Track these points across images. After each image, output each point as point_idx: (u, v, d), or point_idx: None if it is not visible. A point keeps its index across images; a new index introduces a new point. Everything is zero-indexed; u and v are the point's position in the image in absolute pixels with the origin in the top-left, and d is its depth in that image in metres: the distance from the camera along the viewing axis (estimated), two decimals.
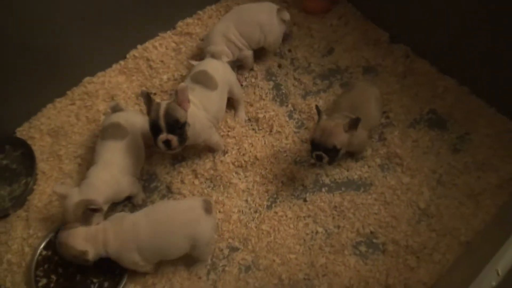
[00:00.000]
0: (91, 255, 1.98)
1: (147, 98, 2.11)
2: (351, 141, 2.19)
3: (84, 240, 1.98)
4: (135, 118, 2.37)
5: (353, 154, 2.46)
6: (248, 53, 2.72)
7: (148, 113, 2.10)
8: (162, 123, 2.04)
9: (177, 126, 2.05)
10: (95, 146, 2.33)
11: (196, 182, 2.44)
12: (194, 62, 2.51)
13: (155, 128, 2.06)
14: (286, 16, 2.70)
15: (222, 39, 2.61)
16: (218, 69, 2.41)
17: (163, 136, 2.05)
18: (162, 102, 2.08)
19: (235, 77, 2.53)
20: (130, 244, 1.99)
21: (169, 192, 2.44)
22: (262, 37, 2.69)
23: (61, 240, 1.99)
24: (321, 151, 2.14)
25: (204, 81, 2.32)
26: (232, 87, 2.48)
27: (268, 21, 2.67)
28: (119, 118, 2.34)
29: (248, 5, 2.74)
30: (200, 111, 2.26)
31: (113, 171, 2.21)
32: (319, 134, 2.14)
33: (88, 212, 2.03)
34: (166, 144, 2.07)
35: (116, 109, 2.42)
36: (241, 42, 2.66)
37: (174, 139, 2.06)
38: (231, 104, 2.57)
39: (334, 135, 2.12)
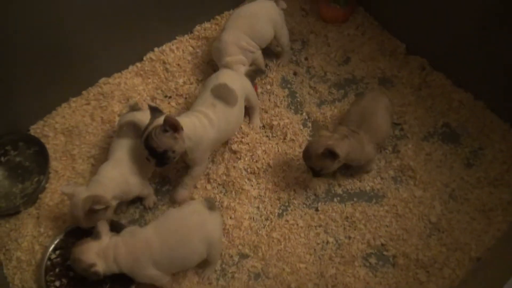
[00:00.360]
0: (101, 269, 1.97)
1: (153, 110, 2.16)
2: (352, 157, 2.24)
3: (95, 255, 1.97)
4: None
5: (360, 167, 2.46)
6: (259, 53, 2.72)
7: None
8: (143, 144, 2.09)
9: (155, 153, 2.08)
10: (111, 144, 2.35)
11: (209, 187, 2.45)
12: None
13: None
14: (284, 4, 2.75)
15: (236, 49, 2.59)
16: (236, 81, 2.41)
17: (146, 154, 2.11)
18: (156, 121, 2.08)
19: (251, 85, 2.53)
20: (143, 261, 1.99)
21: None
22: (272, 33, 2.71)
23: (73, 255, 1.99)
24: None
25: (225, 96, 2.32)
26: (249, 95, 2.47)
27: (276, 15, 2.70)
28: (135, 117, 2.35)
29: (248, 8, 2.72)
30: (213, 130, 2.26)
31: (123, 169, 2.22)
32: (304, 151, 2.26)
33: (93, 209, 2.04)
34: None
35: (134, 108, 2.45)
36: (252, 46, 2.65)
37: (152, 161, 2.12)
38: (246, 110, 2.56)
39: (312, 158, 2.21)
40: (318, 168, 2.23)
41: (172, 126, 2.05)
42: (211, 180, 2.46)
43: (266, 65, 2.84)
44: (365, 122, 2.29)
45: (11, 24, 2.22)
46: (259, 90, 2.73)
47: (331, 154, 2.14)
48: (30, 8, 2.22)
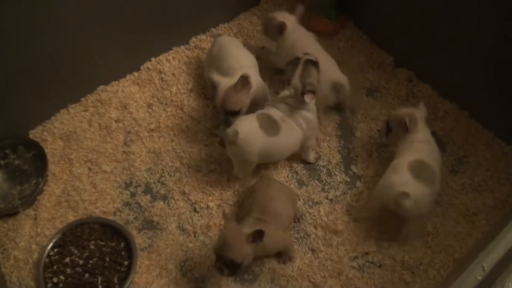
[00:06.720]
0: None
1: None
2: (264, 247, 2.05)
3: None
4: None
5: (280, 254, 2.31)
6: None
7: None
8: None
9: None
10: None
11: None
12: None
13: None
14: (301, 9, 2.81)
15: None
16: None
17: None
18: None
19: None
20: None
21: None
22: None
23: None
24: (221, 263, 1.96)
25: None
26: None
27: None
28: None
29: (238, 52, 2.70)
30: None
31: None
32: (219, 245, 1.96)
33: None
34: None
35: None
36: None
37: None
38: None
39: (233, 248, 1.93)
40: (238, 261, 1.93)
41: None
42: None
43: None
44: (266, 211, 2.17)
45: (13, 31, 2.27)
46: None
47: (258, 236, 1.96)
48: (31, 16, 2.28)
